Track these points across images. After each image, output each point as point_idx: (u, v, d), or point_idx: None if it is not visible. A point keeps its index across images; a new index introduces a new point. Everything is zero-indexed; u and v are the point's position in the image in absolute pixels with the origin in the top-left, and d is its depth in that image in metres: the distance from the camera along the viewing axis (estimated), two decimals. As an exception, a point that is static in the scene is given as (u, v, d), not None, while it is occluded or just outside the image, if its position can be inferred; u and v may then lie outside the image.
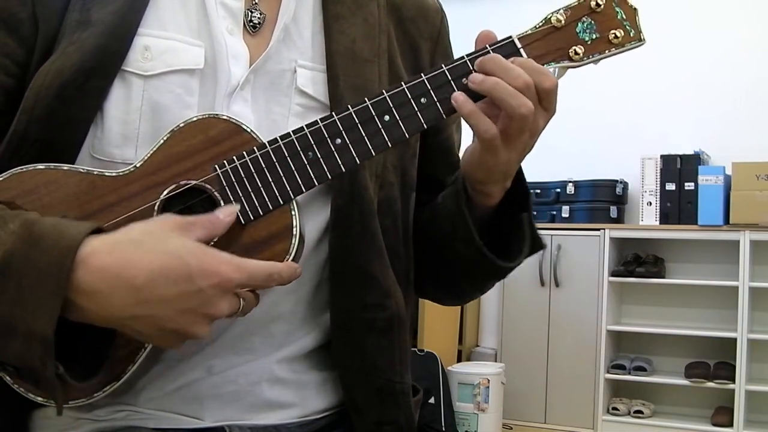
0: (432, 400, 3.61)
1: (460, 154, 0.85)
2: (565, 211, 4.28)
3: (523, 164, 0.86)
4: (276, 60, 0.84)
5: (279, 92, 0.84)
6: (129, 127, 0.78)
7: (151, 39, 0.80)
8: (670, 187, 4.05)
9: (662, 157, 4.10)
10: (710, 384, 3.82)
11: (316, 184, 0.76)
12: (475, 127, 0.76)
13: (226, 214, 0.73)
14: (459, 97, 0.75)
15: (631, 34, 0.79)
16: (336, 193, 0.82)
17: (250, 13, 0.85)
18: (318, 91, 0.85)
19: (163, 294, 0.66)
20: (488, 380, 3.75)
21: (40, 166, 0.74)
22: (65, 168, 0.75)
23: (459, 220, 0.84)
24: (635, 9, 0.79)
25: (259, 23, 0.85)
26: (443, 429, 3.54)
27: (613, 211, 4.24)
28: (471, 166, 0.81)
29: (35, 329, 0.64)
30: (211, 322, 0.69)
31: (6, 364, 0.67)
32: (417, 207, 0.93)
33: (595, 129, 4.46)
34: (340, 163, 0.76)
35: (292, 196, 0.75)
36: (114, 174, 0.75)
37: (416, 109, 0.76)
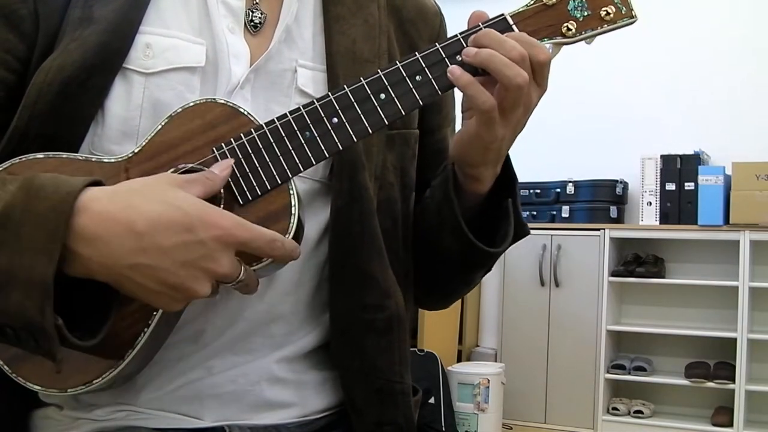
0: (432, 400, 3.61)
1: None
2: (565, 211, 4.28)
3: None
4: (277, 60, 0.84)
5: (279, 92, 0.84)
6: (129, 125, 0.78)
7: (153, 37, 0.81)
8: (670, 187, 4.05)
9: (662, 157, 4.10)
10: (710, 384, 3.82)
11: (314, 163, 0.76)
12: (474, 98, 0.75)
13: (222, 168, 0.73)
14: (455, 70, 0.75)
15: (623, 11, 0.79)
16: (336, 194, 0.82)
17: (251, 13, 0.85)
18: (318, 90, 0.85)
19: (164, 243, 0.66)
20: (488, 380, 3.75)
21: (39, 155, 0.75)
22: (64, 156, 0.75)
23: (446, 208, 0.83)
24: None
25: (260, 23, 0.85)
26: (443, 429, 3.54)
27: (613, 211, 4.24)
28: (465, 149, 0.81)
29: (34, 276, 0.63)
30: (213, 280, 0.68)
31: (5, 326, 0.66)
32: None
33: (595, 129, 4.46)
34: (336, 141, 0.76)
35: (290, 176, 0.75)
36: (112, 160, 0.75)
37: (411, 86, 0.76)
